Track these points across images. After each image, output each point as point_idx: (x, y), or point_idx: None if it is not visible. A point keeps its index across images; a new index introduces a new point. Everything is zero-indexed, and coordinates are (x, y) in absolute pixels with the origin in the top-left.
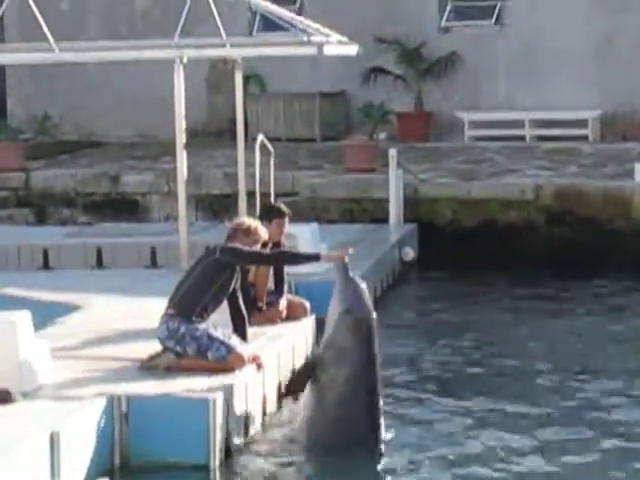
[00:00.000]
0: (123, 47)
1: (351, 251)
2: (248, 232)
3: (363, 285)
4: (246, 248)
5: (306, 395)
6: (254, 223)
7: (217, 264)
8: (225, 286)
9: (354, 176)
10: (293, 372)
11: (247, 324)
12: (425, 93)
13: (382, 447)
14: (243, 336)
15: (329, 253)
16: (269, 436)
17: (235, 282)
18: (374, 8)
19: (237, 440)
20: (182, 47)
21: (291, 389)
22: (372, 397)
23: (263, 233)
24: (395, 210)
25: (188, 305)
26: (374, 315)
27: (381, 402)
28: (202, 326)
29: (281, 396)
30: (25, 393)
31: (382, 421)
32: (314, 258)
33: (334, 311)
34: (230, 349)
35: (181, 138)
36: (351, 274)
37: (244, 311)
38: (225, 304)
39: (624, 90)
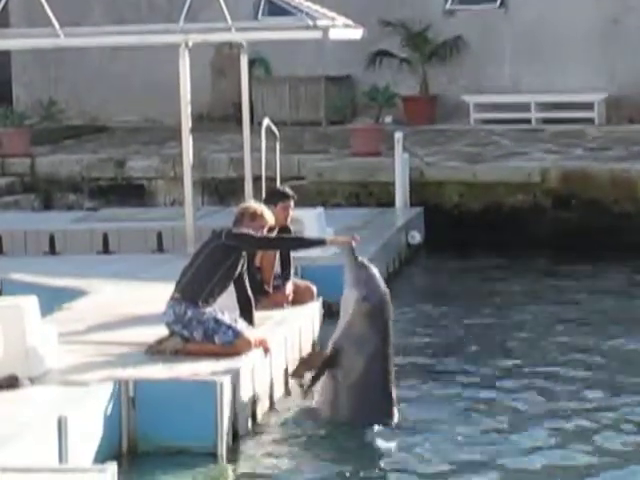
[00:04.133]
0: (128, 32)
1: (357, 237)
2: (254, 216)
3: (374, 269)
4: (252, 233)
5: (324, 380)
6: (260, 207)
7: (223, 248)
8: (231, 270)
9: (360, 160)
10: (302, 357)
11: (254, 308)
12: (430, 76)
13: (394, 423)
14: (250, 320)
15: (335, 237)
16: (276, 420)
17: (241, 266)
18: None
19: (244, 424)
20: (187, 32)
21: (298, 374)
22: (388, 375)
23: (269, 217)
24: (401, 194)
25: (194, 290)
26: (389, 298)
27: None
28: (209, 310)
29: (288, 380)
30: (32, 378)
31: (395, 395)
32: (320, 243)
33: (349, 298)
34: (237, 333)
35: (187, 123)
36: (360, 259)
37: (251, 295)
38: (232, 288)
39: (630, 72)
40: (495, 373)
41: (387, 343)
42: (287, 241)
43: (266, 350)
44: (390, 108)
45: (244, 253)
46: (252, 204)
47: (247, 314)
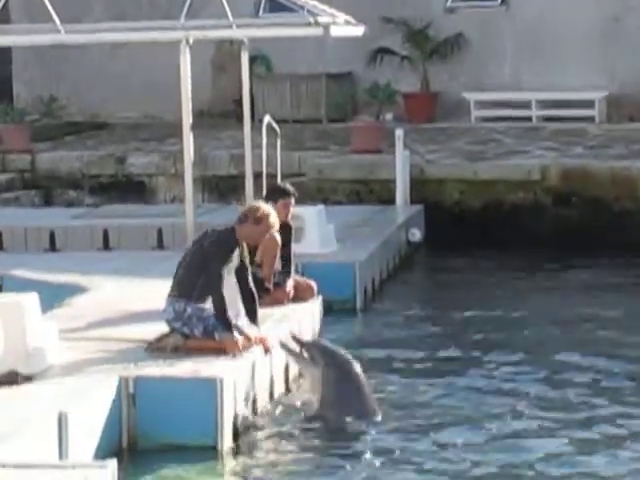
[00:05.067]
0: (129, 29)
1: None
2: (259, 221)
3: (317, 339)
4: (217, 274)
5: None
6: (266, 212)
7: (211, 246)
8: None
9: (360, 157)
10: None
11: (257, 304)
12: (431, 74)
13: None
14: (254, 317)
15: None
16: (276, 417)
17: (234, 262)
18: None
19: (245, 421)
20: (188, 28)
21: None
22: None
23: (274, 221)
24: (401, 191)
25: (188, 286)
26: (344, 352)
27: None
28: (208, 307)
29: (288, 377)
30: (33, 375)
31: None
32: (229, 330)
33: (313, 376)
34: (237, 330)
35: (187, 119)
36: (299, 342)
37: (254, 291)
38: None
39: (631, 71)
40: (494, 369)
41: (364, 384)
42: (221, 309)
43: (267, 350)
44: (391, 105)
45: (237, 250)
46: (260, 206)
47: (251, 311)
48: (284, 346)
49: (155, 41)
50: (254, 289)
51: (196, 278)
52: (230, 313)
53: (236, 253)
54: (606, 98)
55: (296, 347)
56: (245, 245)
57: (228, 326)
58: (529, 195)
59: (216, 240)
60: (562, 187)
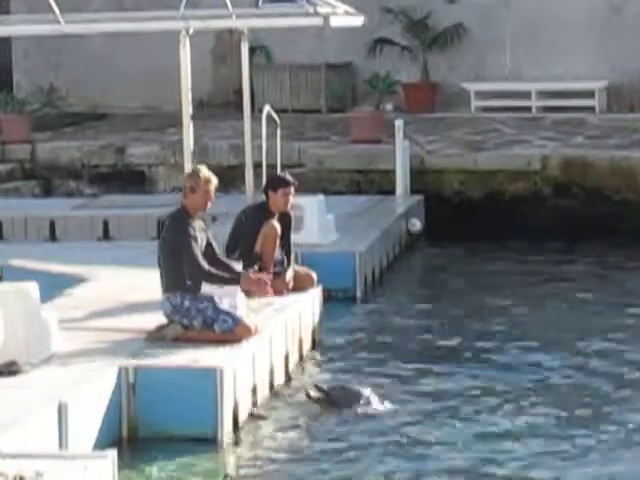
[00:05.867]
0: (129, 19)
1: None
2: (194, 189)
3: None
4: (189, 251)
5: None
6: (195, 177)
7: (168, 232)
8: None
9: (360, 147)
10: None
11: (231, 266)
12: (431, 64)
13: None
14: (236, 272)
15: (250, 278)
16: (276, 407)
17: (199, 241)
18: None
19: (244, 411)
20: (188, 18)
21: None
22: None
23: (204, 178)
24: (402, 181)
25: (176, 278)
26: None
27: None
28: (206, 298)
29: (288, 367)
30: (33, 364)
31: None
32: (234, 281)
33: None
34: (236, 320)
35: (187, 109)
36: (325, 388)
37: (224, 260)
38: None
39: (631, 60)
40: (494, 359)
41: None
42: (206, 274)
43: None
44: (391, 96)
45: (188, 232)
46: (188, 175)
47: (229, 270)
48: (307, 394)
49: (155, 31)
50: (224, 259)
51: (178, 267)
52: (227, 304)
53: (198, 228)
54: (606, 88)
55: (319, 394)
56: (202, 221)
57: (234, 277)
58: (529, 185)
59: (170, 223)
60: (562, 177)
